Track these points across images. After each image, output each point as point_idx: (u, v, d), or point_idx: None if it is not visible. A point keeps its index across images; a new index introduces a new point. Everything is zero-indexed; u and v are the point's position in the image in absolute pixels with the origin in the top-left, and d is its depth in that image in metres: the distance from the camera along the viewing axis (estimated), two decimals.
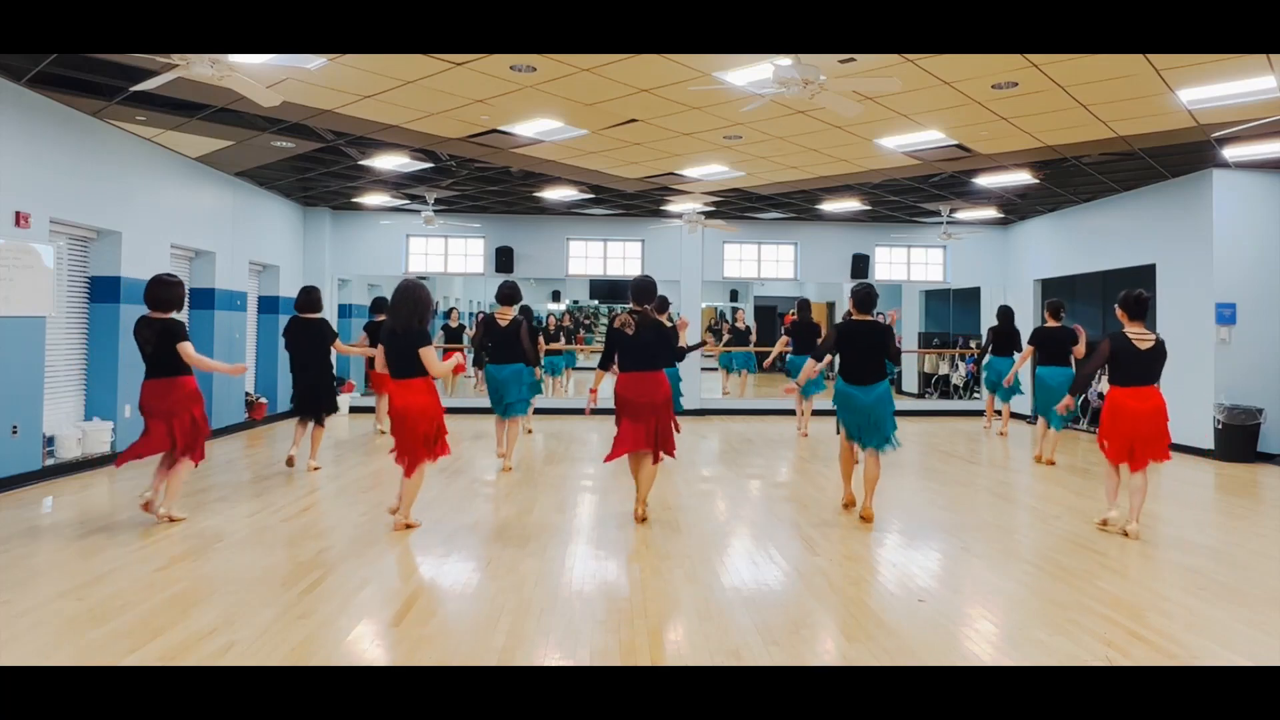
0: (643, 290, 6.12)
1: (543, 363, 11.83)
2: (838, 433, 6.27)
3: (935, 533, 6.03)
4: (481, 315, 16.55)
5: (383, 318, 10.94)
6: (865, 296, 6.16)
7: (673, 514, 6.47)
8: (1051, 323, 9.10)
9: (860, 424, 6.14)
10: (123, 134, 8.66)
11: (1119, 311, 6.03)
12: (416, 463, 5.75)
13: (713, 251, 14.66)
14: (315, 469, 8.10)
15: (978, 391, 15.88)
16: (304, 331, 8.14)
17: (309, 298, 8.24)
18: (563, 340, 17.01)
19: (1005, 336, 11.20)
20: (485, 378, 8.22)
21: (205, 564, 4.94)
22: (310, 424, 8.16)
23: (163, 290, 5.93)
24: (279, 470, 8.09)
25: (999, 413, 11.87)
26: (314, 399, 8.12)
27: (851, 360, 6.16)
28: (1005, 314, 11.32)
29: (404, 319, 5.66)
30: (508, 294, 8.18)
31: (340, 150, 9.53)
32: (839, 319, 16.07)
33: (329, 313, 13.74)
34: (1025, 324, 14.14)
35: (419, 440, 5.69)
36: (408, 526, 5.81)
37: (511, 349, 8.11)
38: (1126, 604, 4.43)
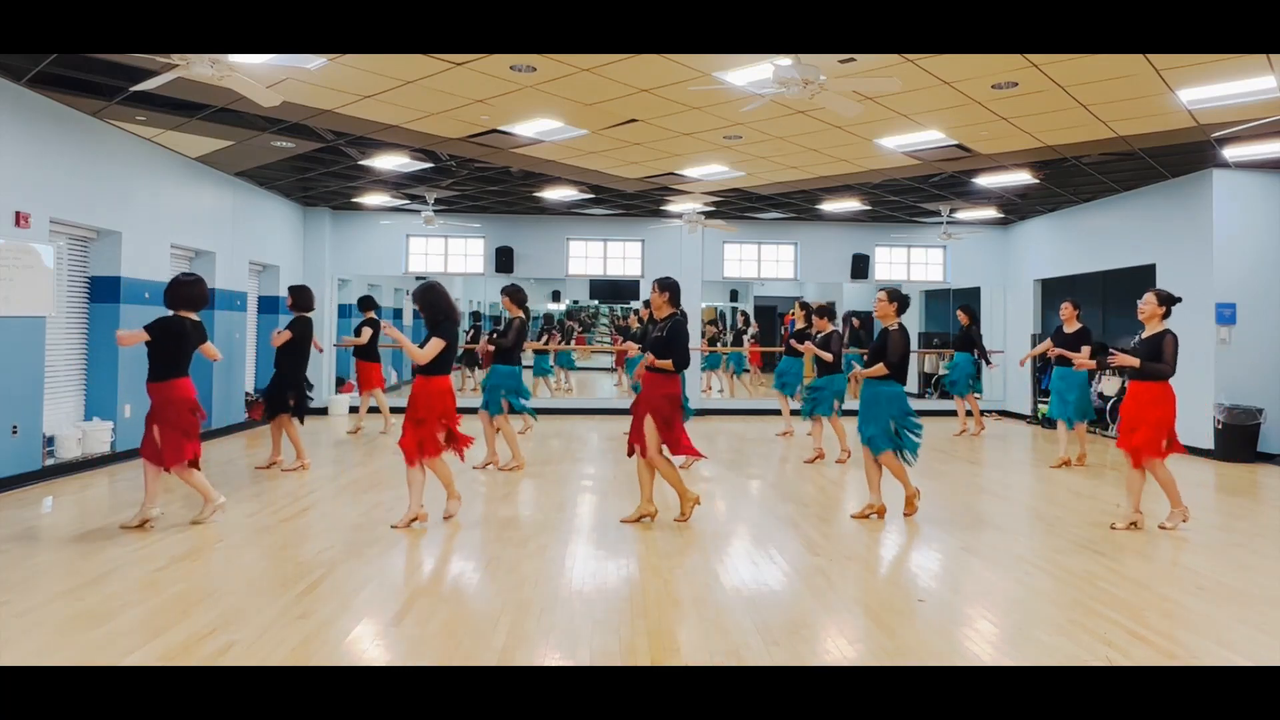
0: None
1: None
2: (890, 449, 6.34)
3: (935, 533, 6.03)
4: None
5: (373, 314, 11.04)
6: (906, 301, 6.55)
7: (673, 514, 6.47)
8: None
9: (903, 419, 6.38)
10: (123, 134, 8.66)
11: (1166, 310, 6.16)
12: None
13: (713, 251, 14.66)
14: (307, 466, 8.13)
15: (978, 392, 15.88)
16: (310, 330, 8.30)
17: (310, 295, 8.36)
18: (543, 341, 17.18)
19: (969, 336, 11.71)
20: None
21: (205, 564, 4.94)
22: (292, 421, 8.15)
23: (204, 289, 5.99)
24: (278, 471, 8.09)
25: (969, 413, 11.92)
26: (306, 395, 8.24)
27: (905, 363, 6.44)
28: (972, 313, 11.80)
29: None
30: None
31: (340, 150, 9.53)
32: (841, 321, 16.00)
33: (330, 313, 13.81)
34: (1026, 324, 14.16)
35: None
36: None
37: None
38: (1126, 604, 4.43)
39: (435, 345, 5.72)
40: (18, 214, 7.12)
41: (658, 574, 4.86)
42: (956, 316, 12.01)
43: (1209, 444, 9.78)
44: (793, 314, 20.87)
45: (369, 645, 3.78)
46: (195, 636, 3.75)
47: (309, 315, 8.33)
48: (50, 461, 7.73)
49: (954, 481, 8.22)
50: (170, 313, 5.88)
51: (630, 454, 6.16)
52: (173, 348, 5.75)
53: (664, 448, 6.12)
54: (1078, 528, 6.16)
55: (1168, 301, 6.17)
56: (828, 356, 8.88)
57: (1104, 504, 7.02)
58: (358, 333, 11.07)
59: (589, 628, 3.95)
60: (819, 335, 9.08)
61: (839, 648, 3.79)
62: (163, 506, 6.02)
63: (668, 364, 5.99)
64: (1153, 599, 4.57)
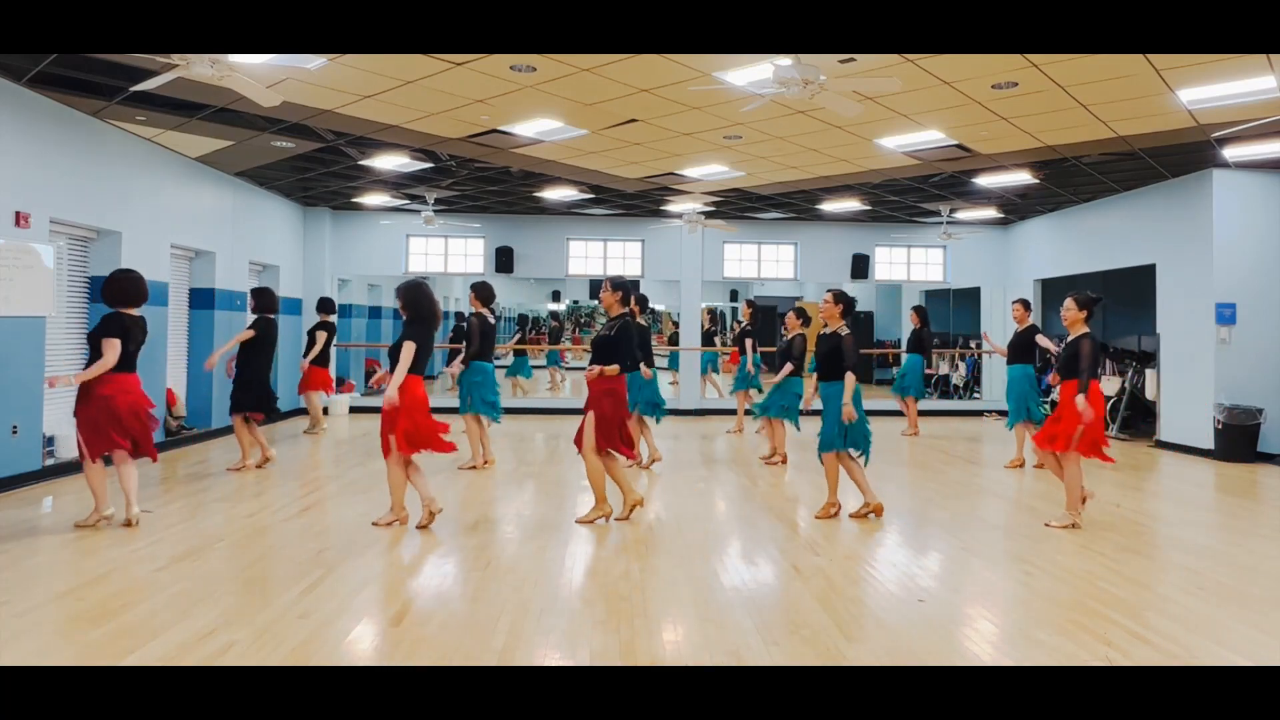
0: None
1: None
2: (849, 448, 6.30)
3: (935, 533, 6.03)
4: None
5: (331, 318, 10.93)
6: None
7: (673, 514, 6.47)
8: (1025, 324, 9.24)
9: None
10: (123, 134, 8.66)
11: (1087, 313, 6.17)
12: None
13: (713, 251, 14.66)
14: (249, 467, 8.17)
15: (978, 391, 15.89)
16: (273, 331, 8.41)
17: (273, 297, 8.51)
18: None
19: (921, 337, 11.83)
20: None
21: (205, 564, 4.94)
22: (246, 422, 8.21)
23: (143, 285, 5.88)
24: (279, 471, 8.09)
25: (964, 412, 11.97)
26: (269, 396, 8.41)
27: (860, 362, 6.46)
28: (924, 314, 11.92)
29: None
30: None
31: (340, 150, 9.53)
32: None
33: None
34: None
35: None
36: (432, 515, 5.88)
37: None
38: (1126, 604, 4.43)
39: (408, 351, 5.65)
40: (18, 214, 7.12)
41: (658, 574, 4.86)
42: (909, 317, 12.17)
43: (1209, 444, 9.79)
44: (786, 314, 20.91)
45: (369, 645, 3.78)
46: (195, 636, 3.75)
47: (272, 316, 8.40)
48: (50, 461, 7.73)
49: (954, 481, 8.22)
50: (111, 311, 5.77)
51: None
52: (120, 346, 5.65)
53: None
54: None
55: (1088, 305, 6.18)
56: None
57: (1104, 504, 7.02)
58: (311, 336, 10.92)
59: (589, 628, 3.95)
60: (786, 337, 9.02)
61: (839, 648, 3.79)
62: (114, 507, 5.84)
63: (614, 369, 5.99)
64: (1153, 599, 4.57)
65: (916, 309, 11.99)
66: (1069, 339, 6.21)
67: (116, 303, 5.78)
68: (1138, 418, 11.83)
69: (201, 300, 10.54)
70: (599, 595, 4.46)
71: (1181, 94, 6.95)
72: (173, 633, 3.79)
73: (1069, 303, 6.21)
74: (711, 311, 18.14)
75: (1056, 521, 6.16)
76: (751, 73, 6.48)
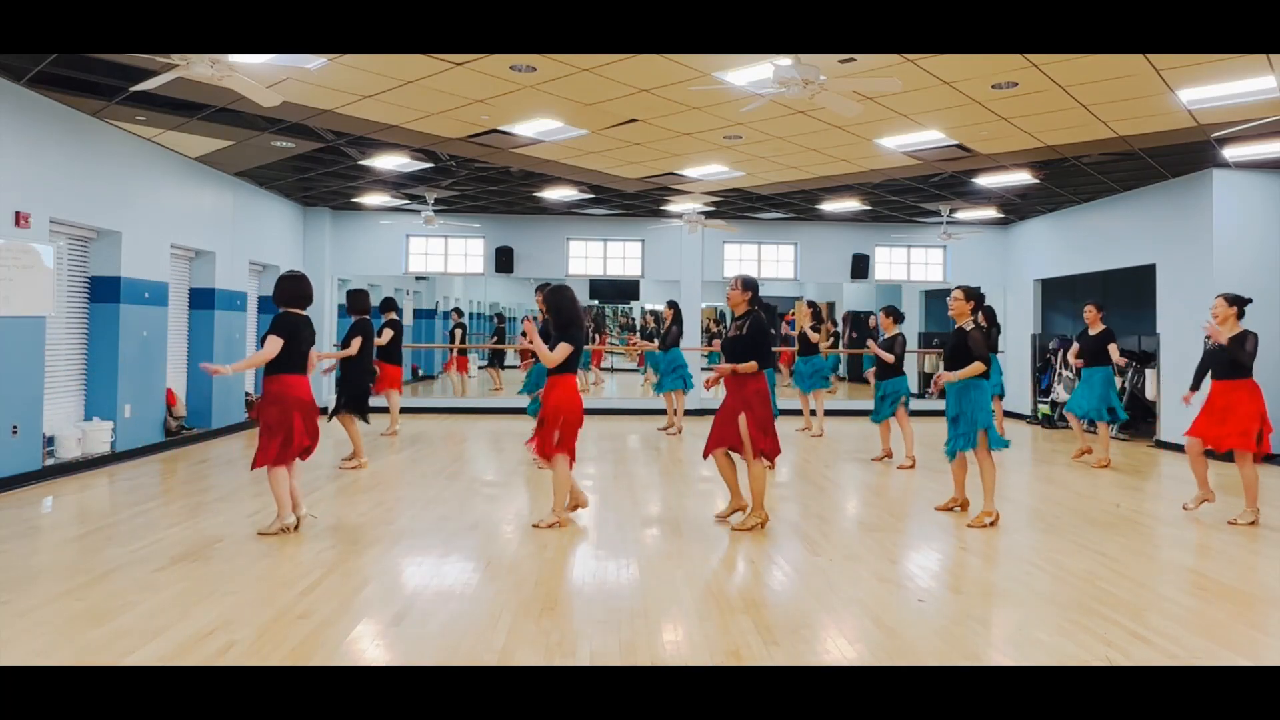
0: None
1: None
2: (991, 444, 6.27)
3: (935, 533, 6.03)
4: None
5: (394, 316, 10.96)
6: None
7: (673, 514, 6.47)
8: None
9: None
10: (123, 134, 8.66)
11: (1238, 310, 6.31)
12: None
13: (713, 251, 14.66)
14: (365, 465, 8.36)
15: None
16: (371, 331, 8.66)
17: (367, 298, 8.78)
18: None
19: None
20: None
21: (205, 564, 4.94)
22: (353, 420, 8.38)
23: (308, 286, 5.89)
24: (353, 465, 8.26)
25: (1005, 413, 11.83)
26: (366, 394, 8.64)
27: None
28: (992, 313, 11.57)
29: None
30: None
31: (340, 150, 9.53)
32: (842, 321, 15.92)
33: (330, 313, 13.79)
34: (1026, 324, 14.15)
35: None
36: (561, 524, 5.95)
37: None
38: (1126, 604, 4.43)
39: (564, 349, 5.77)
40: (18, 214, 7.12)
41: (658, 574, 4.86)
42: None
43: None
44: (793, 313, 20.91)
45: (369, 645, 3.78)
46: (195, 636, 3.75)
47: (368, 316, 8.63)
48: (50, 461, 7.73)
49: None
50: (281, 310, 5.77)
51: (706, 455, 6.11)
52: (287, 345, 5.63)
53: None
54: (1078, 528, 6.16)
55: (1237, 302, 6.34)
56: (889, 358, 8.82)
57: (1103, 504, 7.02)
58: (379, 334, 10.93)
59: (589, 628, 3.95)
60: (884, 337, 9.02)
61: (839, 648, 3.79)
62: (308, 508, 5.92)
63: (752, 366, 5.81)
64: (1153, 599, 4.57)
65: (987, 309, 11.57)
66: (1229, 338, 6.23)
67: (284, 303, 5.78)
68: (1138, 418, 11.82)
69: (201, 300, 10.54)
70: (599, 595, 4.46)
71: (1181, 94, 6.95)
72: (173, 633, 3.79)
73: (1219, 301, 6.32)
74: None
75: (1240, 519, 6.28)
76: (751, 73, 6.48)
